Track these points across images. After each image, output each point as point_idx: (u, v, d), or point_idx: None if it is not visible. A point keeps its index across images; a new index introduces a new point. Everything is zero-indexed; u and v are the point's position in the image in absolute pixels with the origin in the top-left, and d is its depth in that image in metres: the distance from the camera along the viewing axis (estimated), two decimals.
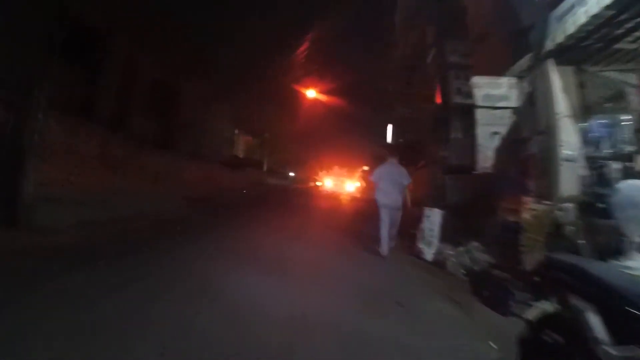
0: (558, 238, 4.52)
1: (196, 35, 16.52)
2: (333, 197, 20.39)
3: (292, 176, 35.32)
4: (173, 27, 15.03)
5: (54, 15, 5.52)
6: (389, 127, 28.74)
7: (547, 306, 4.45)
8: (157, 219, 7.29)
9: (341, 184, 22.02)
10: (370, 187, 28.21)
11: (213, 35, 18.13)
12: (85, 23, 11.10)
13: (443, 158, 7.50)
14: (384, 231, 6.54)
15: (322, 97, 27.40)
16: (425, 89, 15.58)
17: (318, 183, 23.74)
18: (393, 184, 6.57)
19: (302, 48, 26.49)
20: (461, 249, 6.03)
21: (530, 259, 4.57)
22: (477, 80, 5.78)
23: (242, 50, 21.67)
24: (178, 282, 3.85)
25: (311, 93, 26.36)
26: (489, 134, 5.63)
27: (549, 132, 5.08)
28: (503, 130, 5.66)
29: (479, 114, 5.70)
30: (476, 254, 5.81)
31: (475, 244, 6.02)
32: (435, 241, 6.35)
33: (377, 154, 30.48)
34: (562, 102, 5.20)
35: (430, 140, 12.60)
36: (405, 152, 11.51)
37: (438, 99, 8.25)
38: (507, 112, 5.74)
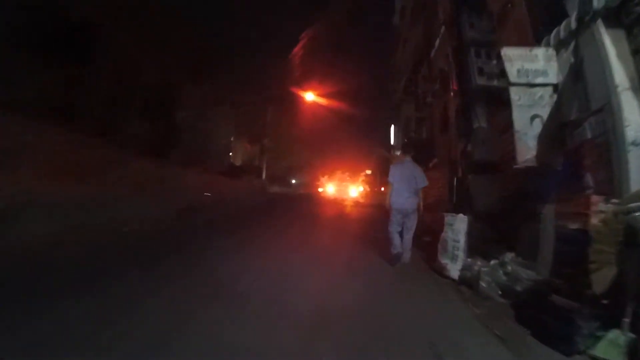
0: (634, 249, 3.35)
1: (195, 35, 15.63)
2: (336, 203, 19.24)
3: (294, 183, 34.21)
4: (171, 25, 14.14)
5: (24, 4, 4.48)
6: (392, 128, 27.69)
7: (620, 339, 3.32)
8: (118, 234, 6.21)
9: (344, 189, 21.07)
10: (374, 191, 27.02)
11: (212, 36, 17.31)
12: (70, 16, 10.23)
13: (465, 154, 6.30)
14: (395, 236, 5.97)
15: (324, 101, 26.42)
16: (433, 83, 14.53)
17: (320, 189, 22.66)
18: (408, 185, 5.90)
19: (301, 51, 25.61)
20: (493, 262, 4.86)
21: (600, 278, 3.40)
22: (507, 52, 4.62)
23: (242, 53, 20.81)
24: None
25: (311, 96, 25.37)
26: (528, 119, 4.46)
27: (607, 111, 3.92)
28: (544, 113, 4.49)
29: (515, 93, 4.53)
30: (514, 268, 4.64)
31: (510, 255, 4.85)
32: (461, 254, 5.17)
33: (381, 155, 29.49)
34: (620, 72, 4.05)
35: (443, 136, 11.50)
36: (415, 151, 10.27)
37: (454, 86, 7.10)
38: (548, 91, 4.57)
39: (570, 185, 4.19)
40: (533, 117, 4.45)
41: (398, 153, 8.67)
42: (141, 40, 12.52)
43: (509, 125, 5.16)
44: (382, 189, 32.97)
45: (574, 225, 3.67)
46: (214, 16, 17.84)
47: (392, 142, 27.54)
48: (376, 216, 12.96)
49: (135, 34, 12.14)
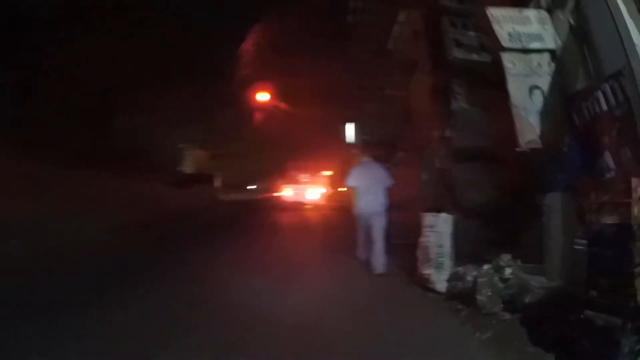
0: None
1: (142, 36, 14.17)
2: (295, 208, 18.06)
3: (252, 189, 32.69)
4: (115, 26, 12.70)
5: None
6: (347, 127, 26.97)
7: None
8: None
9: (303, 192, 19.62)
10: (337, 192, 26.22)
11: (161, 38, 15.82)
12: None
13: (444, 141, 5.41)
14: (361, 237, 5.82)
15: (280, 102, 25.32)
16: (391, 74, 13.84)
17: (279, 193, 21.18)
18: (371, 187, 5.63)
19: (253, 51, 24.40)
20: (487, 267, 3.98)
21: None
22: (494, 12, 3.77)
23: (193, 56, 19.41)
24: None
25: (266, 97, 24.19)
26: (526, 90, 3.63)
27: (627, 74, 3.14)
28: (544, 84, 3.67)
29: (508, 61, 3.68)
30: (515, 273, 3.80)
31: (506, 257, 3.99)
32: (447, 262, 4.28)
33: (345, 153, 28.73)
34: (635, 31, 3.30)
35: (408, 128, 10.75)
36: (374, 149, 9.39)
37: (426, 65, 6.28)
38: (545, 58, 3.76)
39: (584, 170, 3.38)
40: (532, 89, 3.61)
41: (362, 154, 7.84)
42: (85, 44, 11.12)
43: (495, 103, 4.35)
44: (346, 189, 32.30)
45: (604, 219, 2.84)
46: (161, 17, 16.49)
47: (351, 141, 26.79)
48: (340, 220, 12.05)
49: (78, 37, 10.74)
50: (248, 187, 32.60)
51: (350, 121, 26.86)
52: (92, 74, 12.23)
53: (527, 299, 3.45)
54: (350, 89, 26.24)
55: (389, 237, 5.99)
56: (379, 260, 5.47)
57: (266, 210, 17.16)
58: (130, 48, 13.44)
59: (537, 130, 3.53)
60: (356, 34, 25.40)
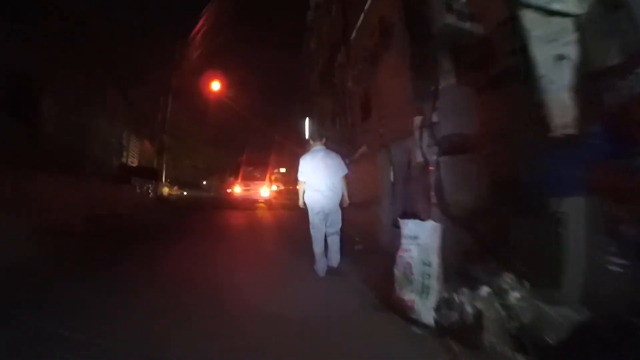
0: None
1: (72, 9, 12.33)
2: (246, 206, 16.93)
3: (202, 185, 30.83)
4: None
5: None
6: (306, 121, 25.97)
7: None
8: None
9: (254, 188, 18.49)
10: (288, 189, 25.11)
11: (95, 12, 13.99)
12: None
13: (428, 129, 4.44)
14: (315, 238, 5.06)
15: (232, 94, 23.85)
16: (353, 66, 12.98)
17: (229, 190, 20.04)
18: (324, 178, 5.02)
19: (205, 38, 22.78)
20: (486, 291, 3.10)
21: None
22: None
23: (135, 35, 17.64)
24: None
25: (217, 86, 22.61)
26: (552, 58, 2.76)
27: None
28: (570, 54, 2.81)
29: (528, 22, 2.79)
30: (525, 299, 2.94)
31: (509, 277, 3.12)
32: (435, 285, 3.34)
33: (295, 150, 27.68)
34: None
35: (368, 122, 9.91)
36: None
37: (402, 39, 5.32)
38: (569, 24, 2.90)
39: (615, 165, 2.56)
40: (559, 58, 2.75)
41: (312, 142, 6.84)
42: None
43: (493, 81, 3.48)
44: (298, 187, 31.05)
45: None
46: None
47: (307, 136, 25.82)
48: (291, 219, 10.99)
49: None
50: (196, 183, 30.80)
51: (307, 117, 25.92)
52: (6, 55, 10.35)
53: (551, 337, 2.58)
54: (307, 84, 25.32)
55: (347, 241, 5.48)
56: (333, 255, 5.11)
57: (213, 208, 15.80)
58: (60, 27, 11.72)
59: (571, 111, 2.66)
60: (315, 30, 24.55)
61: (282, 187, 26.79)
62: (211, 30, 21.36)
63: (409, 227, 3.62)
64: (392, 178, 6.99)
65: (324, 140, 5.40)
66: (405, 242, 3.63)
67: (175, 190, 23.81)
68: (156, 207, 14.48)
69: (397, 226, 4.04)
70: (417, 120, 4.64)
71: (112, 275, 4.60)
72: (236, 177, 19.11)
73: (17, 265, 4.59)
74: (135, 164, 21.54)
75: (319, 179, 5.01)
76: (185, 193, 27.41)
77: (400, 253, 3.63)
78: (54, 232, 7.03)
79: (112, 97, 16.39)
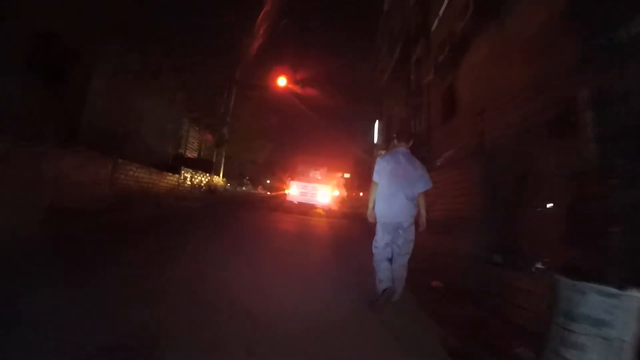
0: None
1: None
2: (301, 211, 14.33)
3: (267, 183, 29.64)
4: None
5: None
6: (376, 125, 24.07)
7: None
8: None
9: (313, 192, 15.41)
10: (352, 197, 23.06)
11: None
12: None
13: (602, 108, 2.36)
14: (383, 264, 3.92)
15: (297, 89, 22.52)
16: (435, 57, 10.97)
17: (284, 191, 17.32)
18: (402, 187, 3.98)
19: (272, 28, 21.75)
20: None
21: None
22: None
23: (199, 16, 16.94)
24: None
25: (283, 82, 21.40)
26: None
27: None
28: None
29: None
30: None
31: None
32: None
33: (360, 156, 25.72)
34: None
35: (449, 124, 7.89)
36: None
37: None
38: None
39: None
40: None
41: (382, 153, 5.13)
42: None
43: None
44: (361, 194, 28.68)
45: None
46: None
47: (375, 140, 23.95)
48: (357, 234, 9.18)
49: None
50: (258, 180, 29.75)
51: (375, 119, 23.98)
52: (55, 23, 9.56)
53: None
54: (378, 84, 23.44)
55: (415, 272, 4.21)
56: (398, 284, 3.97)
57: (264, 209, 14.16)
58: None
59: None
60: (389, 24, 22.65)
61: (345, 194, 25.01)
62: (278, 23, 20.26)
63: (591, 299, 1.70)
64: (492, 193, 4.99)
65: (411, 142, 4.37)
66: (575, 327, 1.72)
67: (232, 186, 22.93)
68: (200, 200, 13.26)
69: (496, 263, 3.58)
70: (584, 94, 2.63)
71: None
72: (293, 176, 16.69)
73: None
74: (194, 156, 20.98)
75: (396, 185, 4.01)
76: (244, 188, 26.60)
77: (557, 348, 1.71)
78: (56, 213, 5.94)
79: (169, 82, 15.57)
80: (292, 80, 21.92)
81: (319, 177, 15.98)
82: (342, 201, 22.68)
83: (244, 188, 26.86)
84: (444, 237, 6.01)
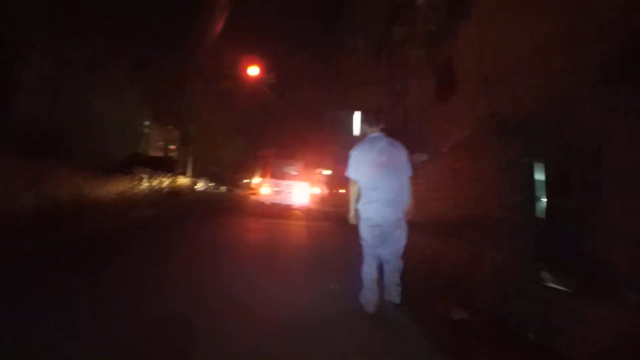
0: None
1: None
2: (275, 214, 12.08)
3: (227, 180, 27.49)
4: None
5: None
6: (355, 115, 22.52)
7: None
8: None
9: (288, 190, 12.86)
10: (333, 194, 21.34)
11: None
12: None
13: None
14: (370, 267, 3.42)
15: (267, 79, 20.75)
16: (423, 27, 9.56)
17: (253, 192, 14.14)
18: (388, 177, 3.38)
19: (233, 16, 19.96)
20: None
21: None
22: None
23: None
24: None
25: (254, 71, 19.61)
26: None
27: None
28: None
29: None
30: None
31: None
32: None
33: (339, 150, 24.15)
34: None
35: (457, 100, 6.45)
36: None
37: None
38: None
39: None
40: None
41: (368, 127, 3.55)
42: None
43: None
44: (342, 191, 26.95)
45: None
46: None
47: (354, 133, 22.42)
48: (341, 240, 7.66)
49: None
50: (229, 179, 27.70)
51: (355, 110, 22.42)
52: None
53: None
54: (356, 67, 21.94)
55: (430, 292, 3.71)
56: (391, 289, 3.42)
57: (231, 212, 12.39)
58: None
59: None
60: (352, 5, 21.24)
61: (325, 191, 23.39)
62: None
63: None
64: (529, 181, 3.53)
65: (382, 125, 3.71)
66: None
67: (201, 185, 21.10)
68: (158, 206, 11.49)
69: (539, 281, 2.96)
70: None
71: None
72: (266, 173, 13.80)
73: None
74: (159, 155, 19.14)
75: (381, 177, 3.41)
76: (216, 189, 24.65)
77: None
78: None
79: (118, 75, 13.69)
80: (264, 69, 20.21)
81: (295, 173, 13.86)
82: (323, 200, 21.07)
83: (216, 188, 24.96)
84: (455, 243, 4.55)
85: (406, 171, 3.53)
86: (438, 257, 4.53)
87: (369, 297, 3.41)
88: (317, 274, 4.83)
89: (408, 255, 3.61)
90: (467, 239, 4.35)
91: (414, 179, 3.64)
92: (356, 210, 3.56)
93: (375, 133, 3.63)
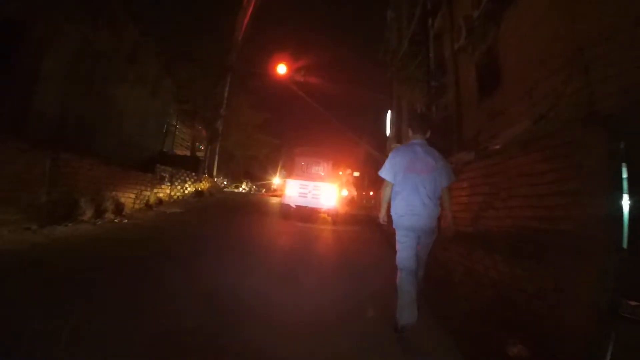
0: None
1: None
2: (300, 216, 11.31)
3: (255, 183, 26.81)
4: None
5: None
6: (389, 115, 21.54)
7: None
8: None
9: (315, 192, 11.72)
10: (362, 196, 20.30)
11: None
12: None
13: None
14: (407, 276, 3.24)
15: (300, 76, 20.06)
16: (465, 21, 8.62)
17: (285, 192, 12.68)
18: (422, 182, 3.46)
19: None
20: None
21: None
22: None
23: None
24: None
25: (282, 69, 18.98)
26: None
27: None
28: None
29: None
30: None
31: None
32: None
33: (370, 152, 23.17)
34: None
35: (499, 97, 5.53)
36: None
37: None
38: None
39: None
40: None
41: (411, 133, 3.03)
42: None
43: None
44: (371, 193, 25.85)
45: None
46: None
47: (387, 133, 21.45)
48: (375, 247, 6.83)
49: None
50: (258, 178, 27.04)
51: (388, 109, 21.40)
52: None
53: None
54: (388, 68, 20.96)
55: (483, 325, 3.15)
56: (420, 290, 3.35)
57: (256, 214, 11.71)
58: None
59: None
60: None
61: (354, 193, 22.44)
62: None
63: None
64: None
65: (428, 133, 3.71)
66: None
67: (228, 186, 20.64)
68: (180, 206, 10.97)
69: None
70: None
71: None
72: (289, 174, 12.76)
73: None
74: (186, 154, 18.78)
75: (415, 182, 3.44)
76: (243, 189, 24.20)
77: None
78: None
79: (149, 69, 13.34)
80: (294, 67, 19.54)
81: (323, 174, 12.95)
82: (352, 202, 20.18)
83: (243, 189, 24.48)
84: (514, 263, 3.66)
85: (444, 179, 3.52)
86: (490, 280, 3.66)
87: (405, 317, 3.14)
88: (351, 298, 4.01)
89: (465, 278, 2.80)
90: (522, 257, 3.46)
91: (459, 182, 3.06)
92: (385, 213, 3.70)
93: (416, 139, 3.66)
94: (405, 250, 3.36)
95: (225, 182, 20.20)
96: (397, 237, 3.47)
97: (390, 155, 3.69)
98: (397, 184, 3.53)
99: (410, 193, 3.45)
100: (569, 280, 3.00)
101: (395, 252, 3.43)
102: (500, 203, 4.23)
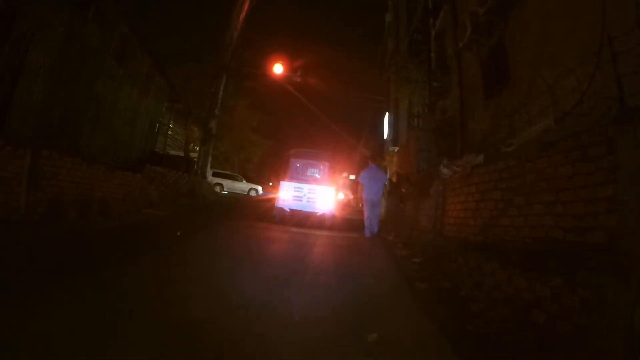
0: None
1: None
2: (295, 223, 10.68)
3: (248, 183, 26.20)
4: None
5: None
6: (386, 118, 21.22)
7: None
8: None
9: (310, 195, 11.24)
10: (357, 199, 20.13)
11: None
12: None
13: None
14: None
15: (297, 77, 19.70)
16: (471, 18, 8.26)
17: (279, 195, 11.97)
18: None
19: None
20: None
21: None
22: None
23: None
24: None
25: (279, 69, 18.62)
26: None
27: None
28: None
29: None
30: None
31: None
32: None
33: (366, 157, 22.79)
34: None
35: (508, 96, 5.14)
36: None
37: None
38: None
39: None
40: None
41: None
42: None
43: None
44: (349, 194, 25.77)
45: None
46: None
47: (385, 135, 21.12)
48: (380, 262, 6.34)
49: None
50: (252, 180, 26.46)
51: (386, 111, 21.09)
52: None
53: None
54: (385, 69, 20.65)
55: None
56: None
57: (245, 219, 11.17)
58: None
59: None
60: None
61: (350, 197, 22.09)
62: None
63: None
64: None
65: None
66: None
67: (216, 185, 20.14)
68: (166, 208, 10.50)
69: None
70: None
71: None
72: (283, 176, 12.03)
73: None
74: (179, 154, 18.30)
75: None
76: (226, 189, 23.44)
77: None
78: None
79: (140, 66, 12.90)
80: (291, 68, 19.18)
81: (318, 177, 12.12)
82: (347, 205, 19.82)
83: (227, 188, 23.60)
84: (533, 278, 3.25)
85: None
86: (526, 301, 3.24)
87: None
88: (352, 324, 3.37)
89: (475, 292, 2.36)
90: (544, 270, 3.04)
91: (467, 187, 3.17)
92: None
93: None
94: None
95: (218, 184, 19.74)
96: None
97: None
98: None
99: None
100: (602, 300, 2.59)
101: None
102: (514, 210, 3.83)
